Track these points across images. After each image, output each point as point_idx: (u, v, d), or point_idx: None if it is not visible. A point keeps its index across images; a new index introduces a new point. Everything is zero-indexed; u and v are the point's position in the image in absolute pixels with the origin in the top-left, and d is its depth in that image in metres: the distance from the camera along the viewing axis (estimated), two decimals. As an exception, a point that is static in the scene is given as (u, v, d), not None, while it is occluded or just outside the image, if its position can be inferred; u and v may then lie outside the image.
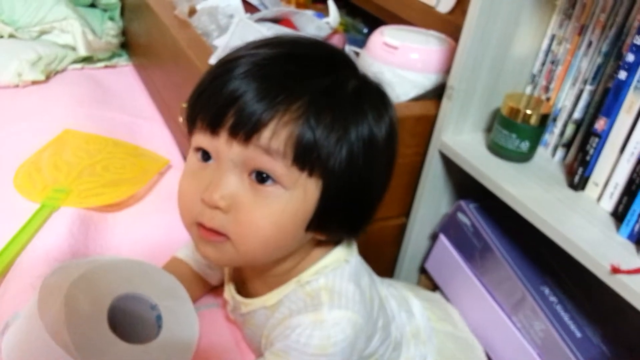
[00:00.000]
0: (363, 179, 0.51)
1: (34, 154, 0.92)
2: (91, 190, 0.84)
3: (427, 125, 0.91)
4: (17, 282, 0.69)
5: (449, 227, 0.96)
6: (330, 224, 0.52)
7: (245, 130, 0.46)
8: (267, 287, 0.57)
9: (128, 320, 0.56)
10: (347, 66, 0.53)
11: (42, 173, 0.86)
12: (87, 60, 1.34)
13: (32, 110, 1.09)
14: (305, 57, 0.51)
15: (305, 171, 0.48)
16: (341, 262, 0.56)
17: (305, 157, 0.47)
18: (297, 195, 0.49)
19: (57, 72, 1.27)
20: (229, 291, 0.63)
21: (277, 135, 0.46)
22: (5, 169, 0.88)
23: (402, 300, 0.75)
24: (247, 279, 0.61)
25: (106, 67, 1.36)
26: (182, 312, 0.60)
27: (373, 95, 0.54)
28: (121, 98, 1.23)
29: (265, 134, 0.46)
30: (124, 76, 1.35)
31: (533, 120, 0.80)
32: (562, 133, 0.84)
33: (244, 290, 0.62)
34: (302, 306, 0.54)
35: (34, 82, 1.20)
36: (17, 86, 1.19)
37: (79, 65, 1.31)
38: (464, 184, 0.98)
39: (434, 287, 1.05)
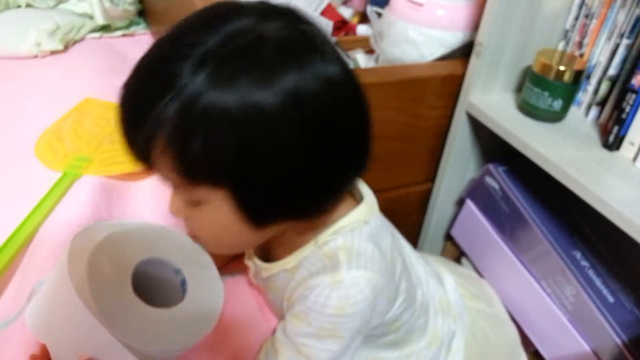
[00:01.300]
0: (276, 166, 0.45)
1: (55, 123, 0.92)
2: (112, 158, 0.84)
3: (453, 86, 0.88)
4: (41, 249, 0.70)
5: (477, 191, 0.94)
6: (277, 215, 0.49)
7: (143, 165, 0.47)
8: (286, 250, 0.56)
9: (152, 285, 0.56)
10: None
11: (63, 142, 0.87)
12: (105, 29, 1.33)
13: (52, 80, 1.10)
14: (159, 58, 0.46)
15: (201, 186, 0.46)
16: (360, 223, 0.54)
17: (189, 177, 0.45)
18: (215, 205, 0.47)
19: (75, 42, 1.27)
20: (249, 256, 0.63)
21: (159, 169, 0.46)
22: (27, 138, 0.89)
23: (432, 271, 0.73)
24: (266, 244, 0.60)
25: (124, 35, 1.36)
26: (207, 278, 0.60)
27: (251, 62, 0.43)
28: (140, 66, 1.22)
29: (154, 168, 0.47)
30: (143, 45, 1.32)
31: (566, 77, 0.77)
32: (596, 91, 0.81)
33: (264, 254, 0.62)
34: (320, 267, 0.53)
35: (53, 52, 1.21)
36: (36, 56, 1.20)
37: (97, 34, 1.31)
38: (491, 147, 0.96)
39: (460, 253, 1.04)
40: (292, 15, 0.47)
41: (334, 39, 1.00)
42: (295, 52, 0.44)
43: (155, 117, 0.42)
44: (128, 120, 0.46)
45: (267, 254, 0.61)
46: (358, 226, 0.54)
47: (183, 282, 0.57)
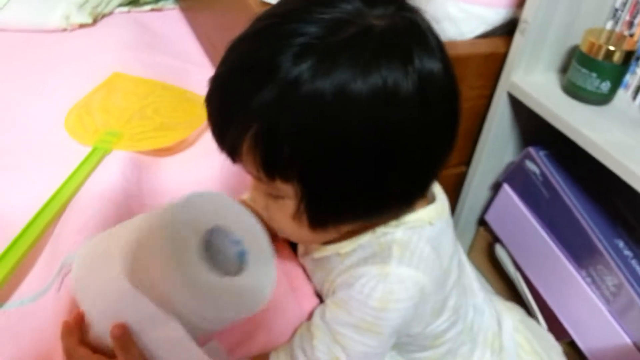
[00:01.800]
0: (348, 170, 0.44)
1: (84, 97, 0.91)
2: (143, 133, 0.83)
3: (495, 65, 0.85)
4: (72, 222, 0.70)
5: (515, 176, 0.92)
6: (340, 216, 0.48)
7: (230, 157, 0.47)
8: (344, 235, 0.54)
9: (210, 253, 0.55)
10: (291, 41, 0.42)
11: (93, 116, 0.86)
12: (133, 3, 1.32)
13: (81, 53, 1.09)
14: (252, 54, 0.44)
15: (276, 181, 0.45)
16: (424, 222, 0.52)
17: (268, 172, 0.45)
18: (287, 202, 0.47)
19: (104, 16, 1.25)
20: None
21: (245, 163, 0.46)
22: (56, 112, 0.88)
23: (493, 306, 0.69)
24: None
25: (152, 10, 1.34)
26: (264, 258, 0.58)
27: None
28: (169, 42, 1.21)
29: (240, 162, 0.47)
30: (171, 20, 1.33)
31: (616, 58, 0.73)
32: (646, 73, 0.77)
33: None
34: (371, 254, 0.52)
35: (82, 26, 1.19)
36: (65, 30, 1.19)
37: (125, 9, 1.29)
38: (532, 131, 0.93)
39: (494, 240, 1.02)
40: (400, 2, 0.45)
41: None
42: (403, 45, 0.42)
43: (252, 110, 0.41)
44: (222, 113, 0.45)
45: None
46: (422, 225, 0.52)
47: (242, 254, 0.55)
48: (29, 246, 0.66)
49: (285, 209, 0.48)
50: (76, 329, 0.51)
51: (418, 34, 0.44)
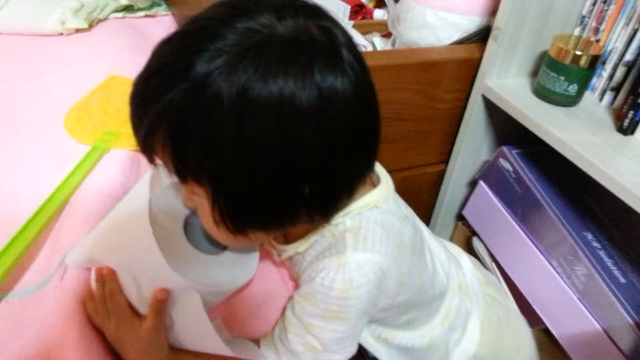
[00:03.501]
0: (250, 175, 0.43)
1: (83, 99, 0.92)
2: (139, 133, 0.84)
3: (470, 70, 0.88)
4: (72, 218, 0.70)
5: (490, 173, 0.94)
6: (255, 222, 0.47)
7: (147, 158, 0.47)
8: (300, 234, 0.56)
9: (198, 234, 0.58)
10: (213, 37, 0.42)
11: (91, 117, 0.87)
12: (127, 9, 1.32)
13: (78, 57, 1.09)
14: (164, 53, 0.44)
15: (189, 181, 0.45)
16: (371, 207, 0.53)
17: (179, 172, 0.45)
18: (202, 200, 0.47)
19: (99, 21, 1.26)
20: (267, 240, 0.63)
21: (162, 161, 0.46)
22: (55, 112, 0.89)
23: (451, 254, 0.73)
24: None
25: (146, 16, 1.35)
26: None
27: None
28: (162, 47, 1.22)
29: (156, 156, 0.46)
30: (164, 26, 1.34)
31: (583, 62, 0.76)
32: (611, 76, 0.80)
33: (284, 238, 0.62)
34: (326, 247, 0.53)
35: (78, 30, 1.20)
36: (61, 34, 1.19)
37: (120, 14, 1.30)
38: (505, 131, 0.95)
39: (471, 233, 1.04)
40: (311, 13, 0.44)
41: (351, 31, 0.99)
42: (302, 55, 0.41)
43: (162, 106, 0.41)
44: (137, 111, 0.45)
45: (288, 236, 0.61)
46: (368, 210, 0.53)
47: None
48: (31, 240, 0.67)
49: (204, 209, 0.47)
50: (115, 281, 0.53)
51: (325, 47, 0.42)
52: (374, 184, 0.56)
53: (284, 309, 0.60)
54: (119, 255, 0.53)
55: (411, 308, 0.62)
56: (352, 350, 0.55)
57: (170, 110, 0.41)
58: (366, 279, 0.50)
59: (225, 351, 0.54)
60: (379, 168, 0.58)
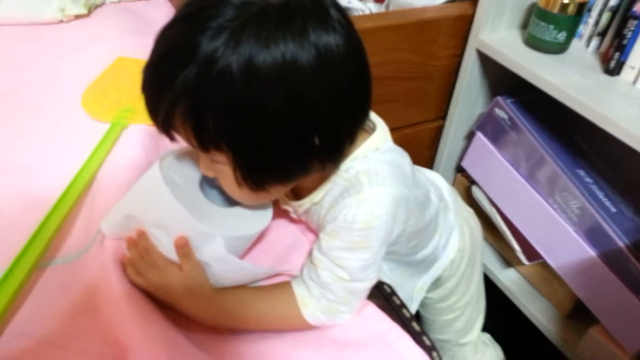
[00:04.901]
0: (266, 136, 0.46)
1: (95, 81, 0.94)
2: (153, 108, 0.86)
3: (464, 26, 0.90)
4: (103, 190, 0.73)
5: (486, 123, 0.98)
6: (274, 176, 0.52)
7: (167, 136, 0.50)
8: (312, 186, 0.60)
9: (214, 190, 0.62)
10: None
11: (107, 96, 0.89)
12: (122, -7, 1.33)
13: (82, 42, 1.10)
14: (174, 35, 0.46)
15: (211, 150, 0.49)
16: (374, 149, 0.58)
17: (201, 144, 0.48)
18: (226, 168, 0.50)
19: (96, 6, 1.26)
20: (284, 201, 0.67)
21: (182, 136, 0.49)
22: (70, 95, 0.91)
23: (428, 178, 0.77)
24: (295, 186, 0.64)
25: (141, -1, 1.35)
26: None
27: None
28: (160, 27, 1.22)
29: (177, 133, 0.49)
30: (160, 7, 1.34)
31: (570, 10, 0.79)
32: (596, 22, 0.83)
33: (295, 193, 0.66)
34: (342, 190, 0.57)
35: (77, 17, 1.20)
36: (61, 22, 1.19)
37: (116, -1, 1.31)
38: (500, 83, 0.99)
39: (470, 183, 1.08)
40: None
41: (349, 5, 1.00)
42: (296, 20, 0.44)
43: (177, 88, 0.44)
44: (153, 96, 0.48)
45: (297, 192, 0.65)
46: (372, 152, 0.57)
47: None
48: (66, 213, 0.70)
49: (226, 174, 0.51)
50: (147, 239, 0.57)
51: (314, 10, 0.45)
52: (371, 130, 0.60)
53: (309, 254, 0.64)
54: (145, 217, 0.57)
55: (417, 233, 0.68)
56: (375, 276, 0.60)
57: (185, 91, 0.44)
58: (384, 209, 0.55)
59: (259, 271, 0.61)
60: (373, 116, 0.62)
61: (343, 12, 0.49)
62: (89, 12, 1.22)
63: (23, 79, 0.98)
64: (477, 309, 0.87)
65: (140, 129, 0.82)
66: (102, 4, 1.28)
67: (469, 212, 0.84)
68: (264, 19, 0.43)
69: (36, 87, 0.96)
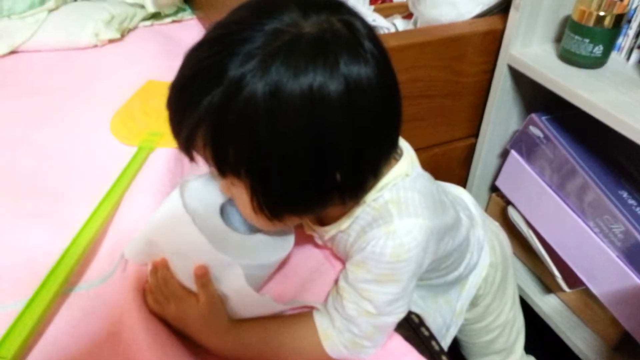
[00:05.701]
0: (287, 167, 0.45)
1: (124, 104, 0.96)
2: (180, 131, 0.87)
3: (494, 41, 0.88)
4: (128, 214, 0.74)
5: (521, 141, 0.94)
6: (291, 208, 0.50)
7: (188, 157, 0.50)
8: (339, 214, 0.58)
9: (235, 217, 0.61)
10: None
11: (135, 120, 0.90)
12: (155, 16, 1.36)
13: (114, 66, 1.13)
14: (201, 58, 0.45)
15: (228, 175, 0.48)
16: (402, 176, 0.55)
17: (219, 168, 0.47)
18: (243, 193, 0.49)
19: (129, 30, 1.30)
20: (308, 226, 0.66)
21: (203, 158, 0.49)
22: (100, 118, 0.93)
23: (458, 199, 0.75)
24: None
25: (173, 22, 1.38)
26: None
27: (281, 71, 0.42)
28: (192, 50, 1.25)
29: (197, 154, 0.49)
30: (191, 29, 1.37)
31: (607, 22, 0.75)
32: (637, 34, 0.79)
33: (318, 220, 0.64)
34: (371, 220, 0.54)
35: (111, 41, 1.24)
36: (95, 46, 1.23)
37: (148, 22, 1.34)
38: (533, 99, 0.95)
39: (506, 203, 1.05)
40: (333, 8, 0.46)
41: (373, 15, 0.99)
42: (328, 50, 0.43)
43: (201, 110, 0.44)
44: (177, 115, 0.47)
45: (323, 219, 0.63)
46: (401, 180, 0.55)
47: None
48: (92, 237, 0.71)
49: (243, 200, 0.50)
50: (167, 268, 0.57)
51: (347, 40, 0.44)
52: (398, 156, 0.58)
53: (334, 282, 0.62)
54: (166, 243, 0.57)
55: (449, 256, 0.66)
56: (404, 310, 0.57)
57: (209, 114, 0.44)
58: (415, 241, 0.52)
59: (278, 307, 0.59)
60: (400, 140, 0.60)
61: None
62: (122, 36, 1.26)
63: (57, 103, 1.01)
64: (515, 328, 0.83)
65: (167, 152, 0.83)
66: (135, 27, 1.32)
67: (495, 225, 0.80)
68: (296, 49, 0.42)
69: (69, 110, 0.99)
